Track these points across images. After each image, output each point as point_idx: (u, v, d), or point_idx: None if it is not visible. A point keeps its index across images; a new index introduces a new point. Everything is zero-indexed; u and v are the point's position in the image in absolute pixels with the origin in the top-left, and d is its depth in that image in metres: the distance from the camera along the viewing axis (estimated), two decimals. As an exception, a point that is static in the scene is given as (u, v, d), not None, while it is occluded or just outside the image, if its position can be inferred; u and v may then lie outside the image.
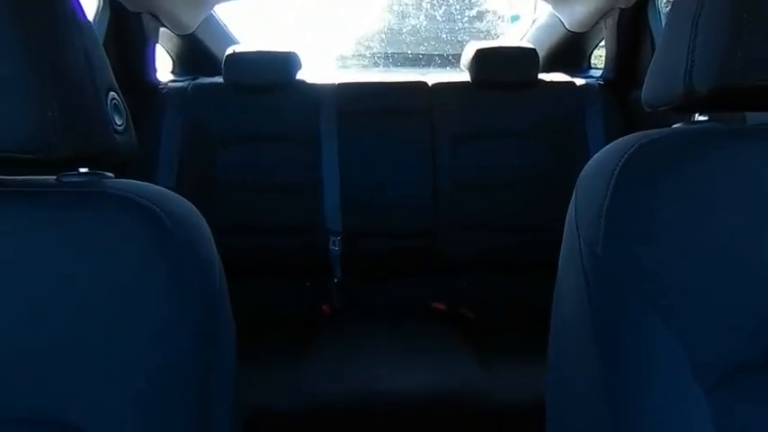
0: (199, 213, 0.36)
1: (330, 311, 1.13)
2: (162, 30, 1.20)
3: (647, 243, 0.32)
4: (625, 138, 0.36)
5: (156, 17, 1.13)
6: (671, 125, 0.38)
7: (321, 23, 1.72)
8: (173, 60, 1.36)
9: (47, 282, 0.30)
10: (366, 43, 1.76)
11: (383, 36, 1.76)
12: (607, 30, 1.19)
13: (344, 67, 1.73)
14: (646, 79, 0.39)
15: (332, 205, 1.13)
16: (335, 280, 1.15)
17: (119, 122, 0.34)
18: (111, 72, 0.35)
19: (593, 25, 1.23)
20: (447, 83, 1.20)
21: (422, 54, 1.73)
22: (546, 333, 0.40)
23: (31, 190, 0.33)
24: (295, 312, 1.13)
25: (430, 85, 1.19)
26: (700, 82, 0.33)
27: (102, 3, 1.04)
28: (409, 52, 1.74)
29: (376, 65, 1.72)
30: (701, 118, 0.38)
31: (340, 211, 1.13)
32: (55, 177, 0.35)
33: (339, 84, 1.19)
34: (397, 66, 1.71)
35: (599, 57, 1.36)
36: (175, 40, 1.28)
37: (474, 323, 1.09)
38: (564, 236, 0.38)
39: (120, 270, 0.30)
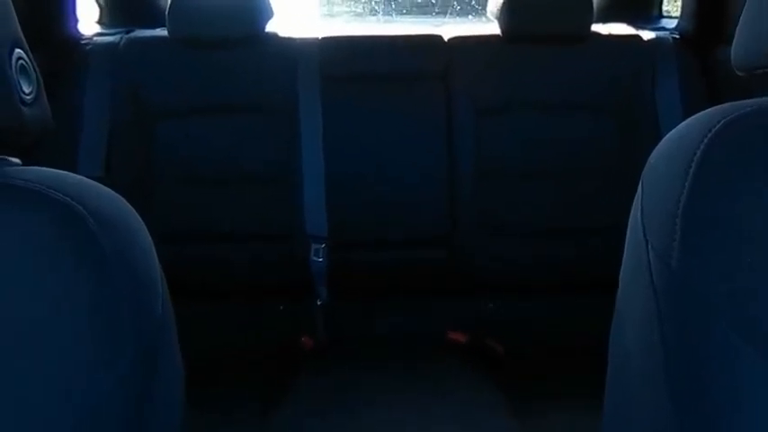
0: (134, 212, 0.36)
1: (312, 345, 1.13)
2: None
3: (738, 253, 0.32)
4: (708, 111, 0.37)
5: None
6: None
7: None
8: (100, 7, 1.36)
9: None
10: (360, -16, 1.77)
11: (383, -26, 1.77)
12: (684, -34, 1.20)
13: (330, 15, 1.74)
14: (736, 33, 0.39)
15: (314, 202, 1.13)
16: (319, 303, 1.15)
17: (27, 90, 0.34)
18: (17, 23, 0.35)
19: (666, -41, 1.24)
20: (469, 37, 1.20)
21: (435, 1, 1.74)
22: (600, 373, 0.40)
23: None
24: (265, 346, 1.13)
25: (446, 40, 1.20)
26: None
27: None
28: (418, -3, 1.75)
29: (373, 12, 1.73)
30: (811, 85, 0.39)
31: (325, 209, 1.13)
32: None
33: (323, 38, 1.20)
34: (403, 14, 1.72)
35: (674, 2, 1.36)
36: (104, -22, 1.29)
37: (504, 360, 1.09)
38: (626, 243, 0.38)
39: (27, 286, 0.30)
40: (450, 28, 1.27)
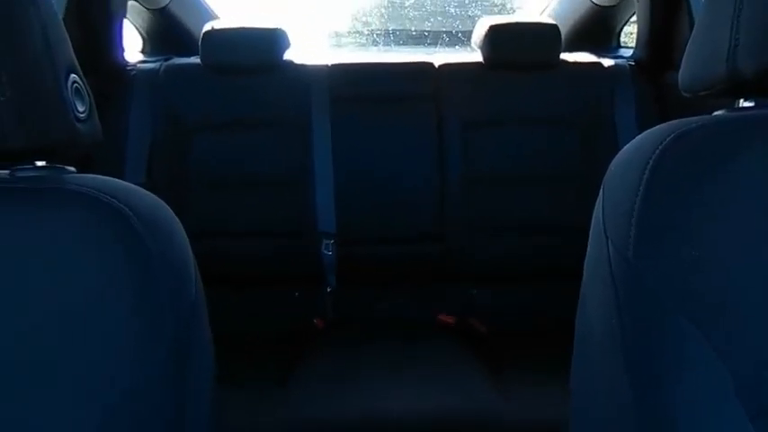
0: (172, 213, 0.36)
1: (323, 326, 1.13)
2: (131, 3, 1.20)
3: (683, 248, 0.32)
4: (660, 127, 0.37)
5: None
6: (712, 112, 0.38)
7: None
8: (143, 38, 1.36)
9: (1, 288, 0.30)
10: (364, 18, 1.76)
11: (383, 10, 1.76)
12: (639, 3, 1.19)
13: (339, 45, 1.73)
14: (683, 60, 0.39)
15: (324, 204, 1.13)
16: (329, 290, 1.15)
17: (80, 109, 0.34)
18: (72, 51, 0.35)
19: (623, -1, 1.24)
20: (456, 64, 1.20)
21: (427, 31, 1.73)
22: (568, 350, 0.40)
23: None
24: (282, 327, 1.13)
25: (437, 66, 1.20)
26: (745, 63, 0.33)
27: (61, -28, 1.05)
28: (413, 29, 1.74)
29: (375, 43, 1.73)
30: (747, 104, 0.38)
31: (334, 210, 1.13)
32: (8, 172, 0.35)
33: (332, 65, 1.20)
34: (399, 44, 1.71)
35: (630, 34, 1.36)
36: (146, 15, 1.29)
37: (487, 338, 1.09)
38: (590, 239, 0.38)
39: (80, 279, 0.30)
40: (440, 56, 1.27)
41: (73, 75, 0.34)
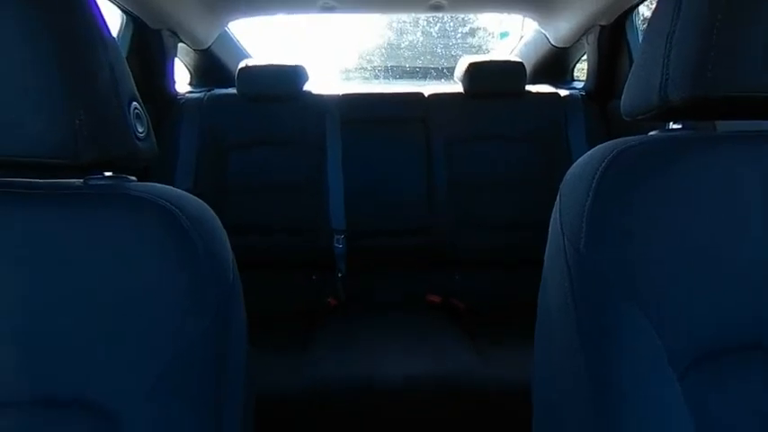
0: (213, 213, 0.36)
1: (335, 304, 1.13)
2: (180, 45, 1.20)
3: (626, 242, 0.32)
4: (605, 144, 0.36)
5: (174, 34, 1.13)
6: (647, 133, 0.38)
7: (326, 39, 1.72)
8: (190, 73, 1.36)
9: (75, 275, 0.30)
10: (367, 57, 1.76)
11: (383, 51, 1.76)
12: (589, 45, 1.19)
13: (348, 79, 1.73)
14: (624, 90, 0.39)
15: (336, 206, 1.13)
16: (340, 275, 1.15)
17: (140, 130, 0.34)
18: (134, 84, 0.35)
19: (576, 41, 1.23)
20: (441, 93, 1.20)
21: (419, 67, 1.73)
22: (533, 324, 0.40)
23: (60, 192, 0.33)
24: (303, 304, 1.13)
25: (426, 95, 1.20)
26: (674, 93, 0.33)
27: (125, 20, 1.04)
28: (407, 66, 1.74)
29: (377, 77, 1.72)
30: (675, 126, 0.38)
31: (344, 211, 1.13)
32: (82, 180, 0.35)
33: (343, 94, 1.19)
34: (396, 78, 1.71)
35: (581, 70, 1.36)
36: (192, 54, 1.29)
37: (464, 313, 1.09)
38: (549, 234, 0.38)
39: (141, 265, 0.30)
40: (428, 87, 1.26)
41: (134, 103, 0.34)
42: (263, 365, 0.83)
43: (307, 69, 1.16)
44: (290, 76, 1.14)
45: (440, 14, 1.28)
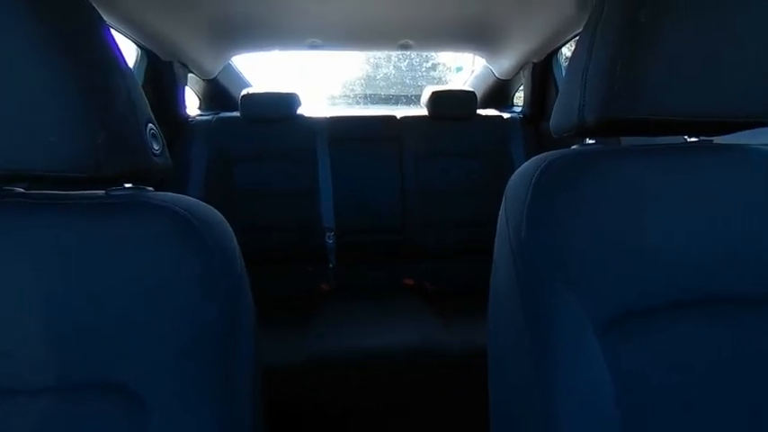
0: (222, 217, 0.35)
1: (328, 289, 1.12)
2: (190, 75, 1.15)
3: (556, 231, 0.33)
4: (539, 156, 0.37)
5: (184, 65, 1.09)
6: (570, 146, 0.39)
7: (316, 72, 1.70)
8: (199, 99, 1.31)
9: (102, 273, 0.29)
10: (350, 87, 1.75)
11: (362, 81, 1.76)
12: (524, 78, 1.23)
13: (334, 104, 1.72)
14: (552, 114, 0.40)
15: (326, 208, 1.12)
16: (331, 266, 1.13)
17: (156, 147, 0.33)
18: (149, 108, 0.33)
19: (515, 74, 1.27)
20: (411, 116, 1.20)
21: (392, 95, 1.73)
22: (486, 299, 0.40)
23: (86, 202, 0.31)
24: (300, 290, 1.11)
25: (398, 118, 1.20)
26: (589, 116, 0.34)
27: (140, 53, 0.99)
28: (382, 93, 1.74)
29: (357, 103, 1.72)
30: (591, 141, 0.40)
31: (333, 212, 1.12)
32: (104, 192, 0.33)
33: (330, 117, 1.18)
34: (374, 104, 1.71)
35: (519, 97, 1.40)
36: (201, 83, 1.24)
37: (433, 293, 1.10)
38: (497, 228, 0.38)
39: (159, 262, 0.29)
40: (400, 111, 1.27)
41: (150, 124, 0.32)
42: (270, 342, 0.81)
43: (300, 96, 1.14)
44: (286, 102, 1.12)
45: (408, 52, 1.29)
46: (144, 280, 0.28)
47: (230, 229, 0.34)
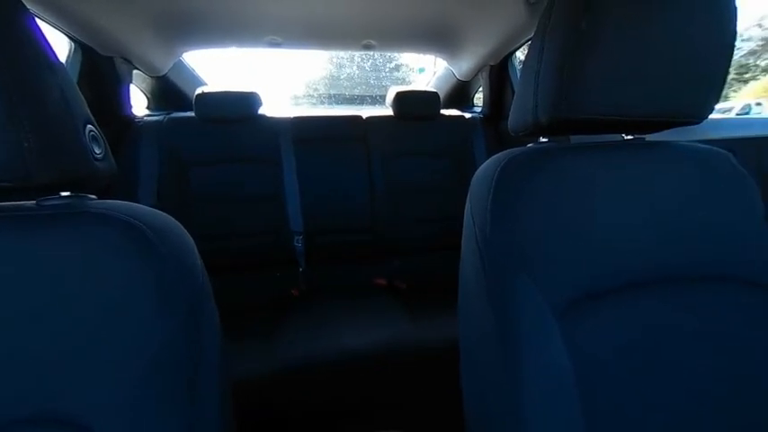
0: (179, 225, 0.32)
1: (298, 294, 1.08)
2: (135, 72, 1.06)
3: (516, 224, 0.35)
4: (499, 154, 0.39)
5: (128, 61, 1.00)
6: (526, 144, 0.41)
7: (279, 71, 1.64)
8: (147, 98, 1.21)
9: (38, 294, 0.25)
10: (313, 87, 1.71)
11: (326, 81, 1.73)
12: (483, 79, 1.28)
13: (297, 104, 1.67)
14: (510, 114, 0.42)
15: (294, 211, 1.08)
16: (300, 269, 1.10)
17: (97, 151, 0.29)
18: (87, 107, 0.30)
19: (474, 76, 1.32)
20: (377, 116, 1.20)
21: (357, 95, 1.73)
22: (456, 294, 0.41)
23: (14, 214, 0.27)
24: (269, 296, 1.07)
25: (364, 118, 1.19)
26: (542, 116, 0.37)
27: (73, 47, 0.89)
28: (347, 93, 1.73)
29: (322, 103, 1.68)
30: (544, 140, 0.43)
31: (301, 215, 1.08)
32: (34, 202, 0.29)
33: (294, 117, 1.14)
34: (339, 104, 1.69)
35: (479, 98, 1.46)
36: (149, 80, 1.14)
37: (405, 291, 1.11)
38: (464, 223, 0.39)
39: (107, 278, 0.26)
40: (366, 111, 1.26)
41: (89, 125, 0.29)
42: (241, 354, 0.77)
43: (260, 96, 1.09)
44: (246, 102, 1.06)
45: (371, 52, 1.29)
46: (85, 301, 0.26)
47: (189, 237, 0.32)
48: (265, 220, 1.06)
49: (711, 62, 0.35)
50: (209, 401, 0.29)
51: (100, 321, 0.26)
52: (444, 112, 1.25)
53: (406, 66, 1.84)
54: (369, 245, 1.14)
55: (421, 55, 1.32)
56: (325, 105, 1.67)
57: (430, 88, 1.35)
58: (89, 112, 0.30)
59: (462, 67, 1.28)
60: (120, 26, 0.87)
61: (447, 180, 1.17)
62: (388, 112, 1.20)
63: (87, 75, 0.91)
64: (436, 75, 1.44)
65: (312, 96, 1.70)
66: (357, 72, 1.74)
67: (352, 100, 1.70)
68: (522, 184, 0.35)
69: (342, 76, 1.74)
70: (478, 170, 0.39)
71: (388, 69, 1.78)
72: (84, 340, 0.25)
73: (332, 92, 1.71)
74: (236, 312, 0.93)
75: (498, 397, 0.32)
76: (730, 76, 0.36)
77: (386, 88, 1.30)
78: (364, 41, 1.14)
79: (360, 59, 1.75)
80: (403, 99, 1.16)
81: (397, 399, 0.84)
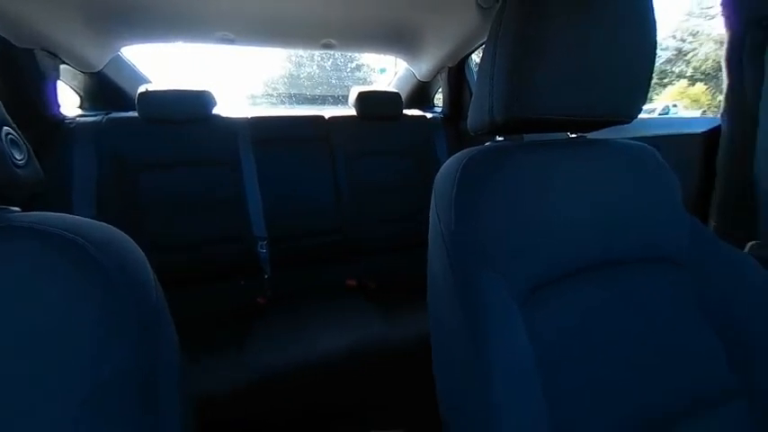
0: (127, 237, 0.29)
1: (264, 302, 1.04)
2: (64, 67, 0.94)
3: (479, 221, 0.36)
4: (460, 152, 0.41)
5: (54, 54, 0.88)
6: (484, 143, 0.43)
7: (234, 68, 1.56)
8: (80, 96, 1.08)
9: None
10: (272, 86, 1.65)
11: (286, 80, 1.67)
12: (442, 80, 1.31)
13: (255, 104, 1.60)
14: (468, 114, 0.44)
15: (256, 216, 1.03)
16: (266, 276, 1.06)
17: (18, 157, 0.26)
18: (3, 108, 0.26)
19: (434, 77, 1.35)
20: (339, 116, 1.19)
21: (318, 95, 1.69)
22: (425, 291, 0.42)
23: None
24: (234, 306, 1.01)
25: (327, 117, 1.17)
26: (498, 115, 0.39)
27: (-18, 37, 0.77)
28: (308, 93, 1.69)
29: (282, 103, 1.63)
30: (500, 139, 0.45)
31: (264, 219, 1.04)
32: None
33: (252, 117, 1.09)
34: (300, 103, 1.64)
35: (439, 99, 1.50)
36: (81, 77, 1.02)
37: (375, 291, 1.11)
38: (429, 221, 0.40)
39: (42, 301, 0.23)
40: (329, 111, 1.25)
41: (6, 128, 0.25)
42: (213, 367, 0.72)
43: (214, 95, 1.03)
44: (198, 101, 0.99)
45: (331, 51, 1.27)
46: (24, 324, 0.22)
47: (139, 250, 0.29)
48: (225, 226, 1.00)
49: (639, 68, 0.39)
50: (171, 422, 0.27)
51: (39, 348, 0.23)
52: (407, 112, 1.27)
53: (367, 66, 1.85)
54: (336, 247, 1.12)
55: (382, 55, 1.33)
56: (286, 105, 1.62)
57: (391, 89, 1.37)
58: (5, 112, 0.26)
59: (422, 68, 1.31)
60: (41, 15, 0.77)
61: (410, 179, 1.18)
62: (352, 112, 1.19)
63: (3, 70, 0.80)
64: (397, 75, 1.45)
65: (271, 96, 1.63)
66: (318, 72, 1.71)
67: (313, 100, 1.67)
68: (482, 180, 0.37)
69: (302, 76, 1.69)
70: (442, 168, 0.40)
71: (349, 69, 1.77)
72: (23, 368, 0.22)
73: (292, 91, 1.66)
74: (200, 326, 0.87)
75: (470, 387, 0.34)
76: (653, 81, 0.41)
77: (347, 88, 1.29)
78: (324, 41, 1.12)
79: (320, 58, 1.72)
80: (366, 99, 1.16)
81: (379, 399, 0.84)
